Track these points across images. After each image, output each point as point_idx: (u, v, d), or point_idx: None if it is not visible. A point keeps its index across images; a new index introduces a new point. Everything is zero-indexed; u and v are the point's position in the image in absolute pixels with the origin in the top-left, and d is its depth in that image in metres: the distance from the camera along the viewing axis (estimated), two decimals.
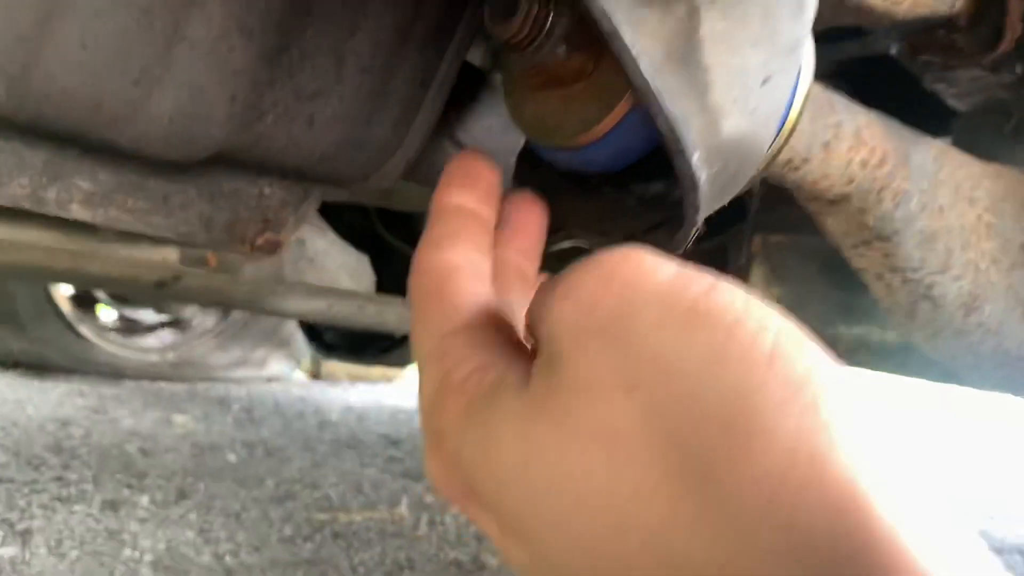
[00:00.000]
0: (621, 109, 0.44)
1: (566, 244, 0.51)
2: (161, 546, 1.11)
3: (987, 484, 1.96)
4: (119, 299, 2.44)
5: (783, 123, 0.49)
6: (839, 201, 0.63)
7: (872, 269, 0.75)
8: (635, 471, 0.20)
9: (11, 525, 1.09)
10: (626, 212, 0.50)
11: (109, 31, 0.51)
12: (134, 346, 2.46)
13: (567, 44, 0.44)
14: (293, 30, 0.57)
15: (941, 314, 0.84)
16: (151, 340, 2.52)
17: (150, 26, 0.50)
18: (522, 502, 0.23)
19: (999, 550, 1.33)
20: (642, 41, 0.37)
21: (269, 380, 2.76)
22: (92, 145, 0.57)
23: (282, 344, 2.71)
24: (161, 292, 0.62)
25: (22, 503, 1.18)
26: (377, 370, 3.20)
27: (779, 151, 0.51)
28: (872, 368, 1.33)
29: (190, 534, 1.17)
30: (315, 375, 3.13)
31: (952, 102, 1.17)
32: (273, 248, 0.71)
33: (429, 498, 1.50)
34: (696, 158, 0.40)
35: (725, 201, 0.46)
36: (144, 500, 1.30)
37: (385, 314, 0.85)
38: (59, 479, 1.34)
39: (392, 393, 2.91)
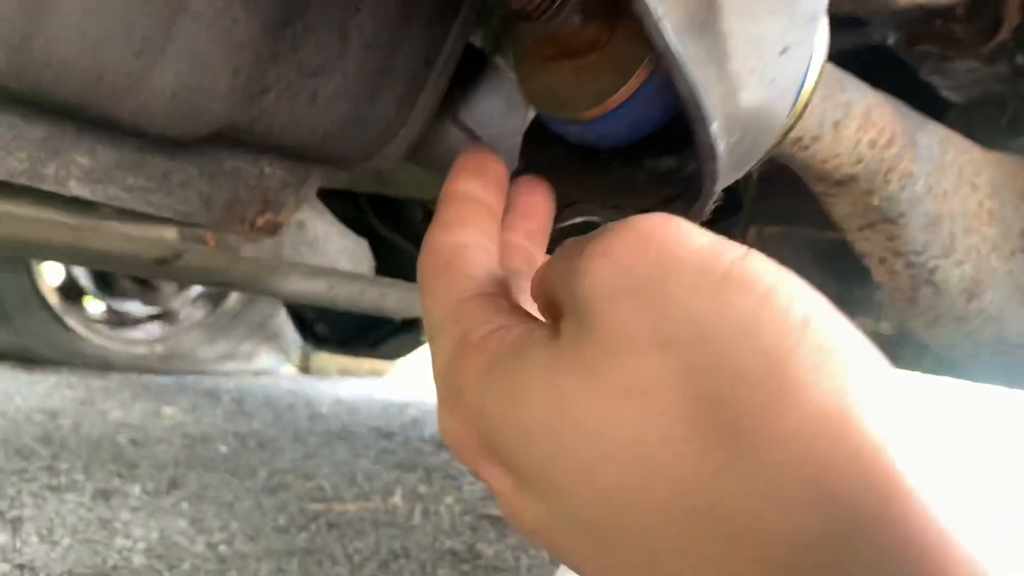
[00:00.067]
0: (636, 79, 0.43)
1: (577, 219, 0.50)
2: (154, 535, 1.10)
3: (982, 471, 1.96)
4: (107, 291, 2.42)
5: (797, 97, 0.48)
6: (846, 182, 0.63)
7: (876, 253, 0.75)
8: (666, 424, 0.21)
9: (1, 513, 1.07)
10: (638, 187, 0.50)
11: (111, 0, 0.50)
12: (122, 338, 2.44)
13: (581, 13, 0.43)
14: (297, 4, 0.56)
15: (943, 299, 0.84)
16: (139, 333, 2.50)
17: None
18: (548, 452, 0.23)
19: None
20: (663, 6, 0.36)
21: (258, 374, 2.75)
22: (92, 119, 0.56)
23: (271, 338, 2.70)
24: (162, 270, 0.61)
25: (12, 492, 1.16)
26: (367, 364, 3.19)
27: (793, 126, 0.50)
28: None
29: (183, 523, 1.16)
30: (304, 369, 3.12)
31: (947, 94, 1.17)
32: (273, 229, 0.70)
33: (423, 488, 1.49)
34: (714, 128, 0.39)
35: (741, 174, 0.46)
36: (136, 490, 1.28)
37: (386, 297, 0.85)
38: (49, 468, 1.32)
39: (383, 387, 2.90)
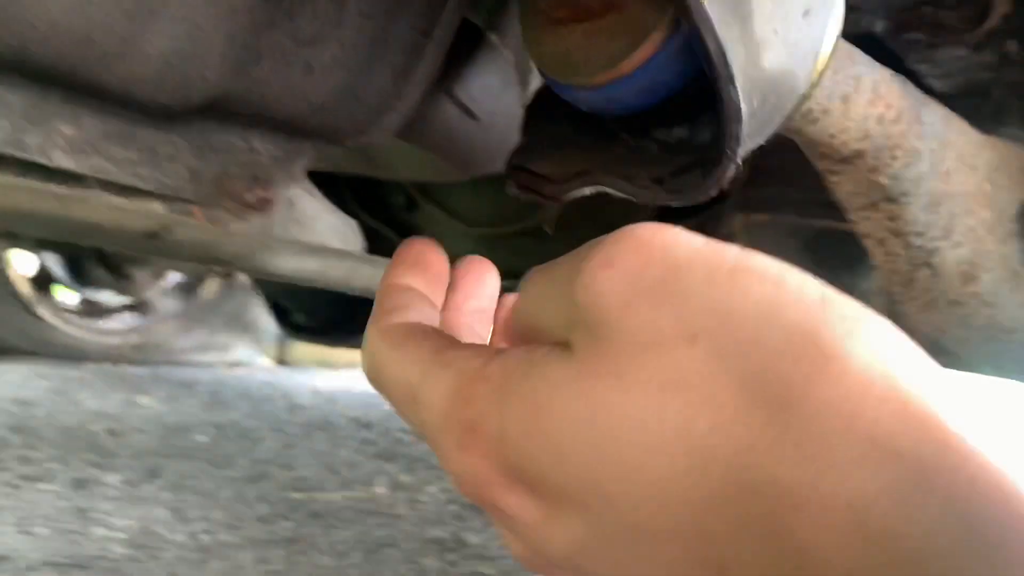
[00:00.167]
0: (653, 42, 0.42)
1: (587, 191, 0.49)
2: (134, 524, 1.07)
3: None
4: (80, 281, 2.38)
5: (814, 64, 0.47)
6: (852, 158, 0.62)
7: (876, 234, 0.74)
8: (711, 409, 0.21)
9: None
10: (649, 157, 0.48)
11: None
12: (95, 328, 2.39)
13: None
14: None
15: (939, 282, 0.83)
16: (113, 323, 2.45)
17: None
18: (587, 461, 0.23)
19: None
20: None
21: (233, 365, 2.71)
22: (78, 86, 0.54)
23: (247, 329, 2.66)
24: (151, 244, 0.59)
25: None
26: (344, 356, 3.16)
27: (808, 94, 0.49)
28: None
29: (163, 513, 1.13)
30: (280, 360, 3.08)
31: (933, 83, 1.17)
32: (262, 206, 0.68)
33: (406, 478, 1.47)
34: (739, 89, 0.38)
35: (759, 143, 0.44)
36: (113, 479, 1.26)
37: (379, 276, 0.82)
38: (23, 458, 1.29)
39: (360, 379, 2.88)
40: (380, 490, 1.37)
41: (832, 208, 0.95)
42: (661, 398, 0.22)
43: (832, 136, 0.58)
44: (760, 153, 0.62)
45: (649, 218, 1.40)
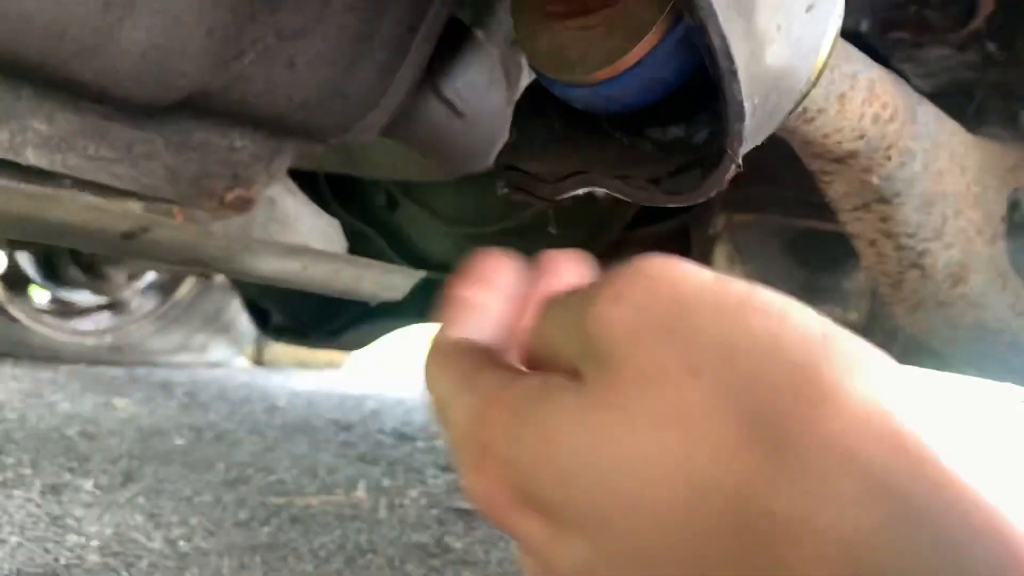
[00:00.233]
0: (652, 38, 0.40)
1: (581, 191, 0.47)
2: (109, 531, 1.05)
3: None
4: (53, 280, 2.34)
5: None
6: (846, 158, 0.61)
7: (867, 235, 0.73)
8: (712, 443, 0.22)
9: None
10: (644, 157, 0.47)
11: None
12: (69, 329, 2.35)
13: None
14: None
15: (928, 284, 0.82)
16: (87, 323, 2.42)
17: None
18: (592, 488, 0.24)
19: None
20: None
21: (211, 366, 2.68)
22: (52, 81, 0.52)
23: (224, 329, 2.63)
24: (128, 245, 0.57)
25: None
26: (322, 356, 3.13)
27: (807, 93, 0.48)
28: None
29: (139, 519, 1.11)
30: (258, 361, 3.05)
31: (917, 82, 1.17)
32: (243, 206, 0.66)
33: (387, 482, 1.46)
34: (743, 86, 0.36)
35: (758, 142, 0.43)
36: (88, 484, 1.23)
37: (362, 279, 0.81)
38: None
39: (339, 380, 2.86)
40: (361, 494, 1.35)
41: (815, 208, 0.94)
42: (664, 430, 0.22)
43: (827, 136, 0.57)
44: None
45: (632, 215, 1.39)
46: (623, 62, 0.41)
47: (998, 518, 0.20)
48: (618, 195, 0.45)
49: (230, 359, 2.80)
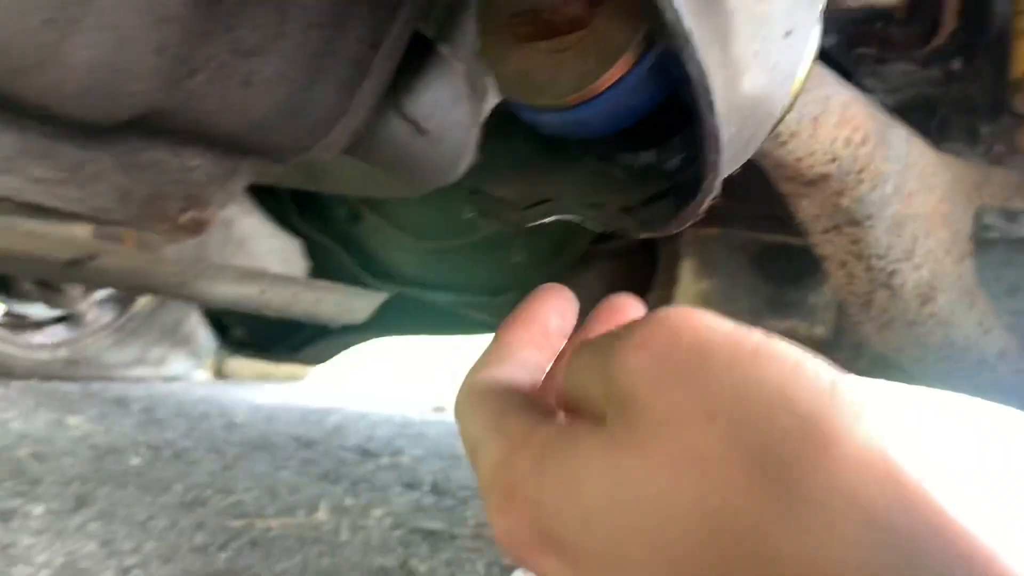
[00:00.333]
0: (624, 62, 0.39)
1: (551, 218, 0.46)
2: (59, 560, 1.01)
3: None
4: (6, 293, 2.28)
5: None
6: (817, 181, 0.60)
7: (837, 256, 0.72)
8: (724, 484, 0.23)
9: None
10: (615, 184, 0.45)
11: None
12: (23, 343, 2.29)
13: None
14: None
15: (897, 304, 0.82)
16: (41, 337, 2.35)
17: None
18: (612, 528, 0.25)
19: None
20: None
21: (169, 380, 2.62)
22: None
23: (183, 342, 2.58)
24: (72, 273, 0.54)
25: None
26: (284, 369, 3.08)
27: (783, 118, 0.47)
28: None
29: (92, 546, 1.07)
30: (218, 374, 3.00)
31: (881, 97, 1.17)
32: (198, 228, 0.63)
33: (349, 501, 1.43)
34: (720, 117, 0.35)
35: (734, 170, 0.42)
36: (38, 510, 1.19)
37: (322, 303, 0.78)
38: None
39: (300, 393, 2.81)
40: (322, 515, 1.32)
41: (782, 223, 0.93)
42: (680, 472, 0.24)
43: (799, 159, 0.56)
44: None
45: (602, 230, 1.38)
46: (594, 87, 0.40)
47: (994, 558, 0.21)
48: (590, 225, 0.44)
49: (189, 372, 2.75)
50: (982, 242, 0.94)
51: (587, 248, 1.46)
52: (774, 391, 0.23)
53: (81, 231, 0.55)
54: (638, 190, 0.43)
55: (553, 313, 0.37)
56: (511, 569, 1.18)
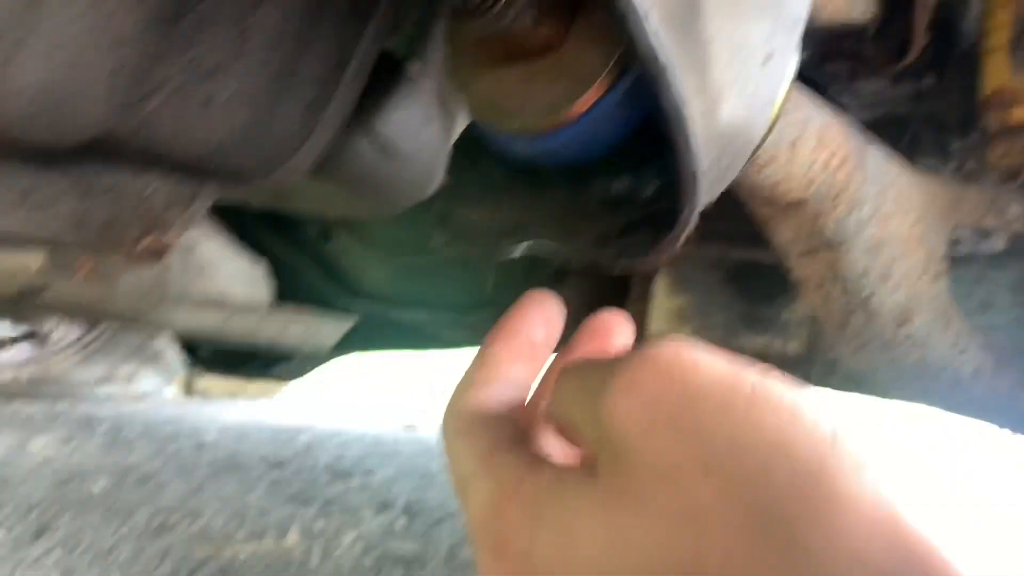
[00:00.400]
0: (598, 88, 0.37)
1: (521, 249, 0.44)
2: None
3: None
4: None
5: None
6: (795, 205, 0.59)
7: (814, 279, 0.71)
8: (722, 541, 0.22)
9: None
10: (589, 212, 0.44)
11: None
12: None
13: (536, 8, 0.37)
14: None
15: (874, 326, 0.81)
16: (5, 355, 2.30)
17: None
18: None
19: None
20: (644, 3, 0.30)
21: (138, 398, 2.58)
22: None
23: (153, 358, 2.54)
24: (21, 306, 0.52)
25: None
26: (256, 385, 3.04)
27: (761, 144, 0.45)
28: None
29: None
30: (188, 391, 2.95)
31: (853, 113, 1.17)
32: (157, 253, 0.61)
33: (320, 524, 1.40)
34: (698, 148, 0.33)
35: (711, 200, 0.40)
36: None
37: (288, 329, 0.76)
38: None
39: (271, 410, 2.77)
40: (292, 539, 1.29)
41: (755, 239, 0.92)
42: (676, 528, 0.23)
43: (777, 183, 0.55)
44: None
45: None
46: (567, 114, 0.38)
47: None
48: (564, 256, 0.42)
49: (159, 390, 2.70)
50: (954, 259, 0.93)
51: (561, 264, 1.44)
52: (772, 442, 0.22)
53: (32, 260, 0.52)
54: (613, 219, 0.42)
55: (539, 324, 0.36)
56: None
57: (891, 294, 0.76)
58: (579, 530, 0.24)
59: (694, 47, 0.33)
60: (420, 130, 0.72)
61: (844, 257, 0.67)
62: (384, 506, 1.57)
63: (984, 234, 1.03)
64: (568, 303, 0.39)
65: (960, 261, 1.00)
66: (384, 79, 0.68)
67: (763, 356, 1.29)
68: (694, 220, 0.36)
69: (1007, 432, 1.08)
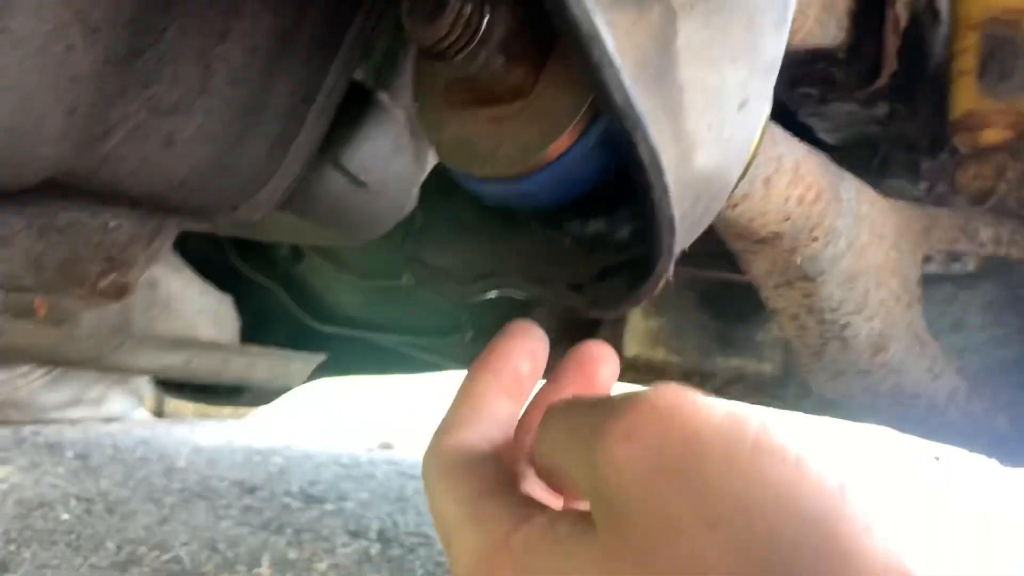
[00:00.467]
0: (570, 134, 0.36)
1: (493, 294, 0.43)
2: None
3: None
4: None
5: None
6: (770, 240, 0.58)
7: (789, 310, 0.70)
8: None
9: None
10: (563, 255, 0.43)
11: None
12: None
13: (504, 54, 0.36)
14: (149, 29, 0.47)
15: (849, 354, 0.81)
16: None
17: None
18: None
19: None
20: (620, 53, 0.29)
21: (107, 420, 2.53)
22: None
23: (122, 380, 2.50)
24: None
25: None
26: (227, 408, 3.00)
27: (737, 186, 0.45)
28: (749, 400, 1.31)
29: None
30: (159, 413, 2.91)
31: (823, 136, 1.17)
32: (119, 292, 0.59)
33: (293, 554, 1.37)
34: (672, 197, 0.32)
35: (687, 245, 0.39)
36: None
37: (254, 368, 0.74)
38: None
39: (243, 432, 2.74)
40: (265, 570, 1.27)
41: (728, 260, 0.92)
42: None
43: (751, 219, 0.54)
44: None
45: None
46: (540, 159, 0.37)
47: None
48: (538, 301, 0.41)
49: (129, 412, 2.66)
50: (926, 277, 0.94)
51: None
52: (779, 495, 0.21)
53: None
54: (587, 263, 0.41)
55: (524, 357, 0.35)
56: None
57: (866, 323, 0.76)
58: None
59: (668, 94, 0.32)
60: (390, 159, 0.71)
61: (820, 289, 0.66)
62: (358, 533, 1.55)
63: (955, 257, 1.04)
64: (542, 325, 0.38)
65: (932, 280, 1.01)
66: (353, 108, 0.67)
67: (738, 377, 1.29)
68: (671, 268, 0.35)
69: (981, 457, 1.08)
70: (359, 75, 0.71)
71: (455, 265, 0.45)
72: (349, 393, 3.36)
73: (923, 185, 1.18)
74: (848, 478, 0.22)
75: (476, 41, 0.35)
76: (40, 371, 2.30)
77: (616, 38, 0.29)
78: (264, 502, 1.72)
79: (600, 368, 0.36)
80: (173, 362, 0.64)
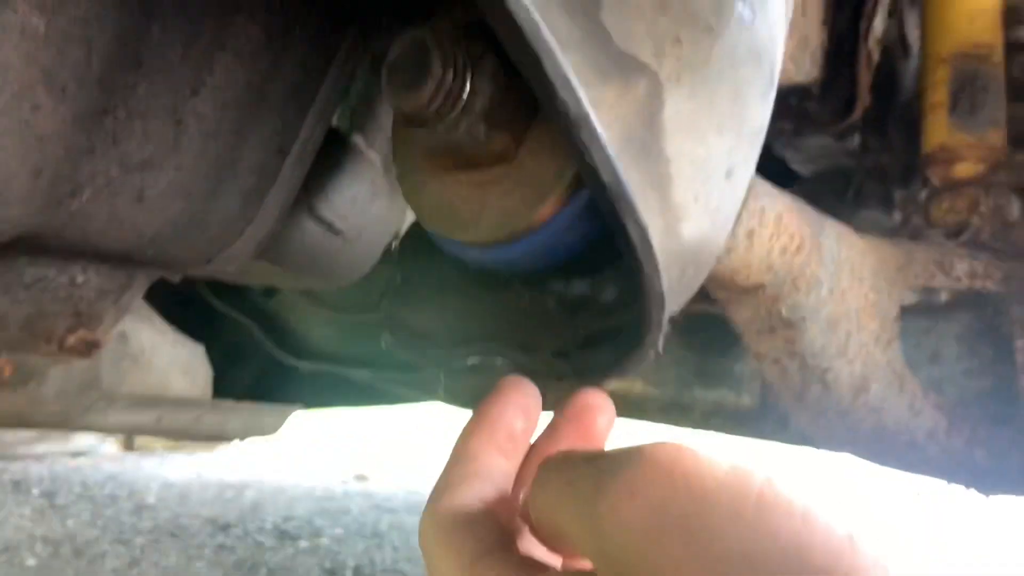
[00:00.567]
0: (555, 201, 0.35)
1: (475, 360, 0.42)
2: None
3: None
4: None
5: None
6: (753, 289, 0.57)
7: (771, 355, 0.70)
8: None
9: None
10: (547, 319, 0.42)
11: None
12: None
13: (487, 122, 0.35)
14: (119, 87, 0.45)
15: (830, 396, 0.80)
16: None
17: None
18: None
19: None
20: (606, 127, 0.29)
21: (75, 455, 2.48)
22: None
23: None
24: None
25: None
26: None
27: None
28: (728, 432, 1.31)
29: None
30: (128, 446, 2.85)
31: (797, 167, 1.18)
32: (88, 349, 0.57)
33: None
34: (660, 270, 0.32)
35: (675, 311, 0.38)
36: None
37: (227, 423, 0.73)
38: None
39: (215, 464, 2.69)
40: None
41: (706, 293, 0.92)
42: None
43: (735, 271, 0.54)
44: None
45: None
46: (524, 227, 0.36)
47: None
48: (520, 368, 0.40)
49: (97, 447, 2.61)
50: (902, 309, 0.94)
51: None
52: (787, 548, 0.21)
53: None
54: (572, 328, 0.40)
55: (518, 414, 0.34)
56: None
57: (848, 366, 0.75)
58: None
59: (655, 166, 0.32)
60: (367, 205, 0.70)
61: (802, 336, 0.66)
62: (334, 571, 1.53)
63: (930, 291, 1.04)
64: None
65: (908, 312, 1.01)
66: (328, 155, 0.66)
67: (717, 410, 1.28)
68: (661, 341, 0.34)
69: (961, 489, 1.08)
70: (333, 119, 0.70)
71: (436, 329, 0.44)
72: (323, 423, 3.32)
73: (898, 216, 1.19)
74: (855, 527, 0.22)
75: (458, 109, 0.34)
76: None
77: (600, 114, 0.28)
78: (237, 540, 1.69)
79: (598, 418, 0.35)
80: (144, 421, 0.62)
